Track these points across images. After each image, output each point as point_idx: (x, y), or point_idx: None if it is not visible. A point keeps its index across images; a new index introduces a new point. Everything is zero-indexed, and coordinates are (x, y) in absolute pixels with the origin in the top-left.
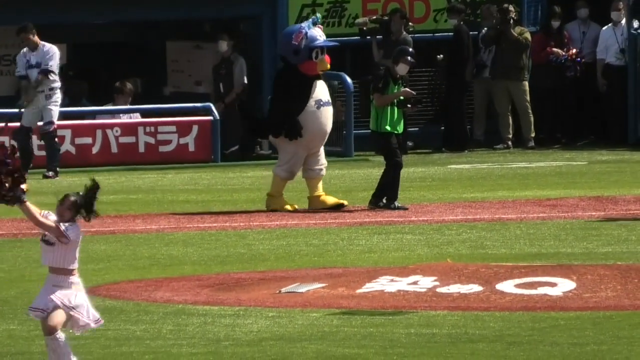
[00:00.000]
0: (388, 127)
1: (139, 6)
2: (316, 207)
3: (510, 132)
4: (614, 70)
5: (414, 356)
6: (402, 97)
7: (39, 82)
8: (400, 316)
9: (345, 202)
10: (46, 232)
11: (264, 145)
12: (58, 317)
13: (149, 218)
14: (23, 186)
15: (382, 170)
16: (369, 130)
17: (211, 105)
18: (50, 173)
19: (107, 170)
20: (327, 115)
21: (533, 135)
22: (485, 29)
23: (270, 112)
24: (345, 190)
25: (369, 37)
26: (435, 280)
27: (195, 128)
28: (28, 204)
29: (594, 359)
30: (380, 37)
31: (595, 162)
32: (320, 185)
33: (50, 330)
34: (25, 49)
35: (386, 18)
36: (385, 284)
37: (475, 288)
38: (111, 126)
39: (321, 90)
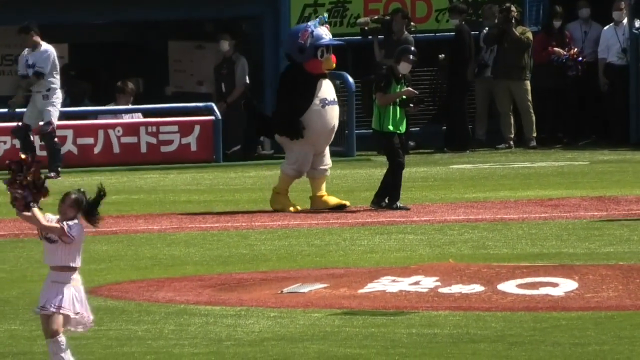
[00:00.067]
0: (391, 127)
1: (139, 6)
2: (318, 207)
3: (512, 131)
4: (615, 69)
5: (416, 356)
6: (404, 97)
7: (30, 83)
8: (401, 316)
9: (348, 203)
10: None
11: (265, 145)
12: (60, 319)
13: (151, 218)
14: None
15: (385, 170)
16: (371, 130)
17: (213, 105)
18: (52, 174)
19: (109, 170)
20: (333, 114)
21: (535, 135)
22: (487, 28)
23: (276, 110)
24: (347, 190)
25: (370, 37)
26: (437, 281)
27: (197, 128)
28: (35, 209)
29: (596, 359)
30: (382, 37)
31: (597, 162)
32: (323, 185)
33: (52, 333)
34: (27, 49)
35: (388, 18)
36: (387, 284)
37: (477, 288)
38: (113, 126)
39: (327, 89)
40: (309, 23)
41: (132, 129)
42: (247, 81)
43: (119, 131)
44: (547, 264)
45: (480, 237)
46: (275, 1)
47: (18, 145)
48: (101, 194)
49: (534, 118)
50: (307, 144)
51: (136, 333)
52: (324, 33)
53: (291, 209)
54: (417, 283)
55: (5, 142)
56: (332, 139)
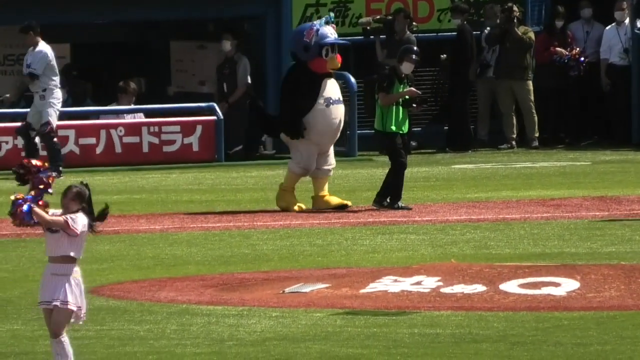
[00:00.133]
0: (393, 127)
1: (140, 6)
2: (320, 207)
3: (514, 132)
4: (617, 70)
5: (418, 356)
6: (407, 97)
7: (24, 84)
8: (403, 316)
9: (349, 203)
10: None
11: (267, 145)
12: (63, 320)
13: (153, 218)
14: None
15: (387, 170)
16: (372, 131)
17: (215, 105)
18: (54, 174)
19: (111, 170)
20: (338, 114)
21: (537, 135)
22: (489, 28)
23: (280, 109)
24: (348, 190)
25: (372, 36)
26: (439, 281)
27: (199, 128)
28: (35, 208)
29: (598, 359)
30: (384, 36)
31: (599, 162)
32: (325, 185)
33: (56, 333)
34: (30, 48)
35: (390, 18)
36: (389, 284)
37: (479, 288)
38: (115, 126)
39: (331, 88)
40: (315, 22)
41: (134, 129)
42: (249, 81)
43: (121, 131)
44: (549, 263)
45: (482, 237)
46: (277, 1)
47: (20, 145)
48: (105, 212)
49: (536, 118)
50: (311, 143)
51: (138, 333)
52: (330, 32)
53: (296, 207)
54: (419, 283)
55: (7, 142)
56: (337, 138)
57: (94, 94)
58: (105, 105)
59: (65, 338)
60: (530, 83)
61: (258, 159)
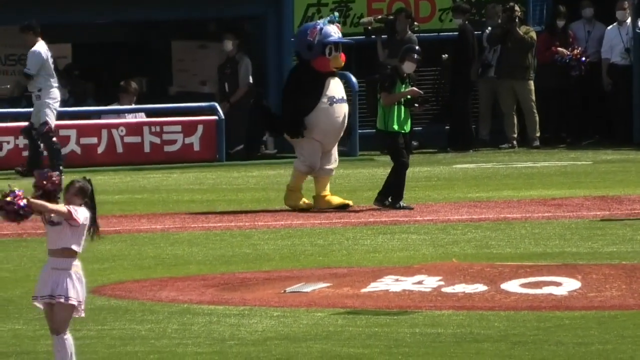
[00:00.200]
0: (395, 127)
1: (140, 6)
2: (321, 206)
3: (516, 131)
4: (619, 69)
5: (419, 356)
6: (409, 96)
7: (19, 83)
8: (405, 316)
9: (351, 202)
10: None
11: (269, 145)
12: (67, 316)
13: (154, 218)
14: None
15: (388, 169)
16: (374, 130)
17: (216, 104)
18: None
19: (112, 170)
20: (341, 113)
21: (538, 134)
22: (490, 28)
23: (284, 108)
24: (350, 189)
25: (374, 36)
26: (440, 280)
27: (200, 128)
28: (32, 199)
29: (599, 358)
30: (385, 36)
31: (600, 162)
32: (327, 185)
33: (59, 330)
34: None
35: (391, 17)
36: (390, 284)
37: (480, 288)
38: (116, 126)
39: (335, 87)
40: (319, 21)
41: (135, 129)
42: (251, 81)
43: (122, 131)
44: (550, 263)
45: (484, 236)
46: (278, 1)
47: (22, 145)
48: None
49: (537, 118)
50: (315, 141)
51: (139, 332)
52: (333, 31)
53: (301, 202)
54: (420, 282)
55: (8, 142)
56: (340, 137)
57: (95, 93)
58: (107, 105)
59: (68, 336)
60: (531, 83)
61: (259, 158)
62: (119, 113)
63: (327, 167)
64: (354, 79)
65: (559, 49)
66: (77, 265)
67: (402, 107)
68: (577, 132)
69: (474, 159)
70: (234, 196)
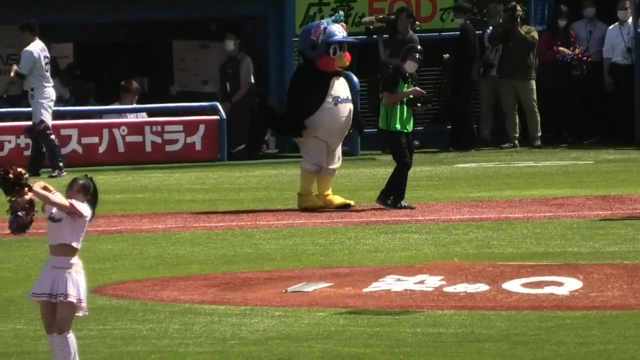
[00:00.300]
0: (398, 126)
1: (140, 6)
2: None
3: (517, 131)
4: (620, 69)
5: (420, 355)
6: (411, 96)
7: (13, 83)
8: (406, 315)
9: (352, 202)
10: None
11: (270, 144)
12: (67, 314)
13: (156, 217)
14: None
15: (390, 169)
16: (375, 130)
17: (218, 104)
18: (55, 172)
19: (113, 169)
20: (345, 113)
21: (540, 134)
22: (492, 27)
23: (287, 108)
24: (351, 189)
25: (375, 36)
26: (441, 280)
27: (201, 127)
28: (35, 188)
29: (600, 358)
30: (387, 36)
31: (601, 161)
32: (329, 184)
33: (61, 329)
34: None
35: (393, 17)
36: (392, 283)
37: (481, 287)
38: (118, 125)
39: (340, 87)
40: (323, 20)
41: (136, 128)
42: (252, 81)
43: (123, 130)
44: (551, 263)
45: (485, 236)
46: (280, 0)
47: (23, 145)
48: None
49: (539, 117)
50: (320, 141)
51: (141, 332)
52: (338, 30)
53: (320, 202)
54: (421, 282)
55: (10, 142)
56: (344, 137)
57: (96, 93)
58: (108, 104)
59: (71, 335)
60: (533, 82)
61: (261, 158)
62: (120, 113)
63: (331, 166)
64: (355, 78)
65: (561, 48)
66: (77, 264)
67: (405, 107)
68: (578, 131)
69: (475, 158)
70: (235, 196)
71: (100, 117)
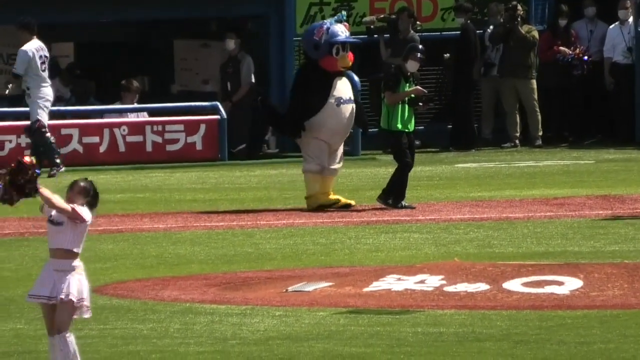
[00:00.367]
0: (399, 126)
1: (140, 5)
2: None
3: (518, 130)
4: (621, 68)
5: (421, 355)
6: (413, 95)
7: (9, 82)
8: (407, 315)
9: (353, 202)
10: (53, 213)
11: (271, 144)
12: (66, 314)
13: (156, 217)
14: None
15: (391, 168)
16: (376, 129)
17: (218, 104)
18: (54, 170)
19: (114, 169)
20: (347, 113)
21: (540, 133)
22: (492, 27)
23: (288, 107)
24: (352, 189)
25: (376, 35)
26: (442, 279)
27: (202, 127)
28: (42, 190)
29: (601, 357)
30: (388, 35)
31: (602, 161)
32: (331, 185)
33: (60, 329)
34: None
35: (394, 17)
36: (392, 283)
37: (482, 287)
38: (118, 125)
39: (342, 88)
40: (326, 20)
41: (137, 128)
42: (253, 80)
43: (124, 130)
44: (552, 262)
45: (486, 235)
46: (280, 0)
47: (23, 144)
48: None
49: (539, 117)
50: (321, 141)
51: (141, 332)
52: (341, 30)
53: (332, 198)
54: (422, 282)
55: (10, 141)
56: (346, 137)
57: (96, 93)
58: (109, 104)
59: (70, 334)
60: (534, 82)
61: (261, 158)
62: (121, 112)
63: (333, 167)
64: (356, 78)
65: (561, 48)
66: (79, 267)
67: (406, 106)
68: (579, 131)
69: (476, 158)
70: (236, 195)
71: (101, 117)
